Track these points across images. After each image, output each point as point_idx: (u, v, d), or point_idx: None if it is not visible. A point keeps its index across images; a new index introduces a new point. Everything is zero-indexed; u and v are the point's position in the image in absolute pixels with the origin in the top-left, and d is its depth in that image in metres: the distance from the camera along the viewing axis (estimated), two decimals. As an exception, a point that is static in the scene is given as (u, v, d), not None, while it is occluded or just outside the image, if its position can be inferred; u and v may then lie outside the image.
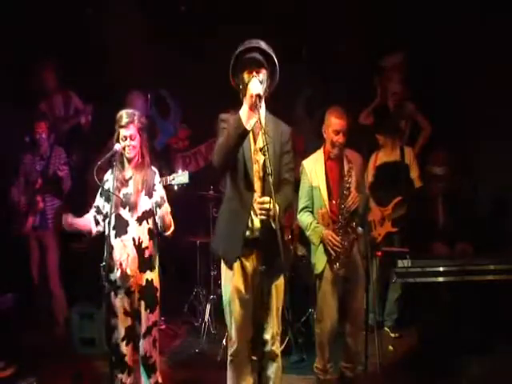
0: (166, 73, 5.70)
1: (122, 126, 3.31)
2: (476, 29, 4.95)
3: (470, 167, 5.11)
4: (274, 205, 2.77)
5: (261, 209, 2.80)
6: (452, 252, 4.48)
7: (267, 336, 3.06)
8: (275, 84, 2.99)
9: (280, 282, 3.08)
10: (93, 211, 3.46)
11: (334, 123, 3.71)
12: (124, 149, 3.33)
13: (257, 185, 2.98)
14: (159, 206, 3.41)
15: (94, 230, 3.45)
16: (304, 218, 3.80)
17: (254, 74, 2.86)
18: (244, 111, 2.79)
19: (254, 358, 3.22)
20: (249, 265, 3.03)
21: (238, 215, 2.99)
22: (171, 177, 3.93)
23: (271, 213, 2.79)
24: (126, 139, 3.32)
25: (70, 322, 4.67)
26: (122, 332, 3.36)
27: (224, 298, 3.13)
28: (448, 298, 4.35)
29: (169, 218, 3.42)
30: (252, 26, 5.33)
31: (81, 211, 5.10)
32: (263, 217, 2.80)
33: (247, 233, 2.99)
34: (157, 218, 3.43)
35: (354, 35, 5.21)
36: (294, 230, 4.96)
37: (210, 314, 4.88)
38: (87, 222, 3.44)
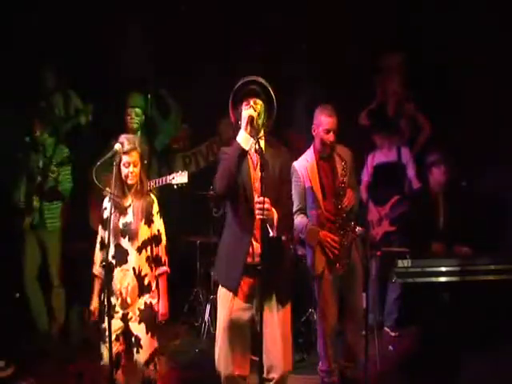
0: (166, 73, 5.70)
1: (124, 153, 3.28)
2: (476, 29, 4.95)
3: (470, 167, 5.10)
4: (272, 208, 2.81)
5: (259, 208, 2.81)
6: (451, 252, 4.48)
7: (274, 375, 2.97)
8: (273, 118, 3.05)
9: (286, 313, 3.04)
10: (98, 257, 3.42)
11: (324, 122, 3.69)
12: (127, 176, 3.31)
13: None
14: (156, 242, 3.41)
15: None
16: (299, 221, 3.76)
17: (251, 103, 2.95)
18: (241, 134, 2.91)
19: (254, 358, 3.20)
20: (248, 290, 3.01)
21: (239, 241, 3.00)
22: (171, 176, 3.94)
23: (268, 213, 2.80)
24: (128, 166, 3.30)
25: (70, 322, 4.67)
26: (110, 357, 3.17)
27: (218, 325, 3.10)
28: (448, 298, 4.35)
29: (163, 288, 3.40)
30: (252, 25, 5.36)
31: (80, 211, 5.14)
32: (261, 217, 2.81)
33: (249, 259, 2.98)
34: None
35: (353, 35, 5.21)
36: (293, 230, 4.96)
37: (209, 314, 4.89)
38: (99, 284, 3.42)
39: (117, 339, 3.29)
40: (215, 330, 4.77)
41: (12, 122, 4.84)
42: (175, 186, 3.98)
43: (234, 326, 3.01)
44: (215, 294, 4.82)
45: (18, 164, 4.96)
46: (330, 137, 3.69)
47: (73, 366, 4.29)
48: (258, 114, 2.94)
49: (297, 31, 5.44)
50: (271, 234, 2.89)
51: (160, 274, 3.42)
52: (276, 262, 2.95)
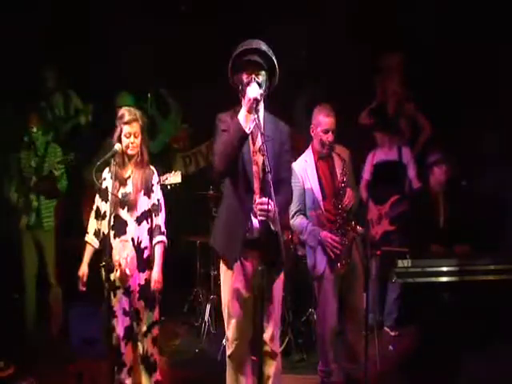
0: (166, 73, 5.70)
1: (125, 123, 3.30)
2: (476, 28, 4.95)
3: (470, 167, 5.10)
4: (273, 206, 2.78)
5: (260, 209, 2.80)
6: (451, 252, 4.48)
7: (266, 336, 3.05)
8: (275, 85, 3.00)
9: (279, 281, 3.08)
10: (92, 226, 3.43)
11: (322, 122, 3.67)
12: (127, 146, 3.32)
13: (256, 185, 2.97)
14: (155, 211, 3.41)
15: (97, 245, 3.44)
16: (298, 222, 3.76)
17: (253, 76, 2.87)
18: (242, 115, 2.82)
19: (254, 358, 3.22)
20: (248, 265, 3.03)
21: (237, 216, 2.98)
22: (164, 177, 3.94)
23: (270, 214, 2.79)
24: (129, 136, 3.32)
25: (70, 322, 4.67)
26: (121, 332, 3.36)
27: (223, 298, 3.12)
28: (448, 298, 4.35)
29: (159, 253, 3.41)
30: (251, 24, 5.36)
31: (78, 211, 5.15)
32: (262, 218, 2.80)
33: (247, 233, 2.97)
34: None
35: (353, 35, 5.21)
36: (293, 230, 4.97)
37: (209, 314, 4.88)
38: (90, 252, 3.43)
39: (126, 314, 3.34)
40: (215, 329, 4.83)
41: (12, 122, 4.84)
42: (168, 187, 3.98)
43: (237, 298, 3.03)
44: (215, 294, 4.87)
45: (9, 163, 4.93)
46: (329, 137, 3.66)
47: (73, 365, 4.29)
48: (260, 86, 2.85)
49: (297, 31, 5.44)
50: (273, 229, 2.85)
51: (157, 242, 3.41)
52: (272, 235, 2.87)
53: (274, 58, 2.93)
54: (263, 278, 2.88)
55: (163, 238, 3.43)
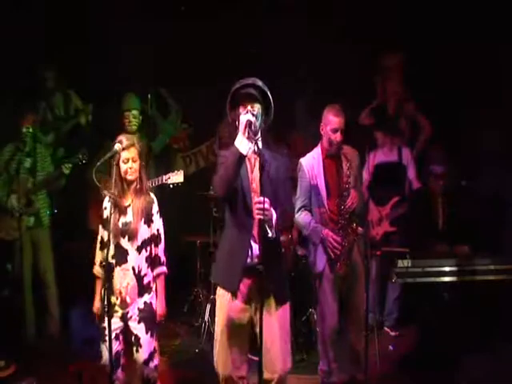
0: (166, 73, 5.70)
1: (123, 149, 3.27)
2: (476, 28, 4.95)
3: (470, 167, 5.11)
4: (271, 209, 2.81)
5: (258, 208, 2.82)
6: (451, 252, 4.48)
7: (272, 376, 2.96)
8: (270, 119, 3.05)
9: (285, 313, 3.05)
10: (99, 257, 3.41)
11: (331, 121, 3.69)
12: (126, 172, 3.30)
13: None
14: (155, 242, 3.40)
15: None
16: (302, 218, 3.78)
17: (249, 107, 2.94)
18: (238, 139, 2.89)
19: (255, 358, 3.20)
20: (246, 290, 3.01)
21: (237, 243, 3.00)
22: (166, 176, 3.94)
23: (267, 213, 2.81)
24: (127, 161, 3.29)
25: (70, 323, 4.67)
26: (109, 357, 3.17)
27: (216, 328, 3.10)
28: (448, 298, 4.35)
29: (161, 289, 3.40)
30: (251, 24, 5.36)
31: (78, 211, 5.14)
32: (260, 216, 2.82)
33: (248, 260, 2.98)
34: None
35: (353, 35, 5.21)
36: (293, 230, 4.96)
37: (209, 314, 4.88)
38: (100, 284, 3.40)
39: (116, 338, 3.29)
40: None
41: (12, 122, 4.83)
42: (171, 186, 3.98)
43: (232, 328, 3.01)
44: (215, 294, 4.85)
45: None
46: (337, 136, 3.69)
47: (73, 365, 4.29)
48: (256, 117, 2.92)
49: (297, 31, 5.44)
50: (270, 235, 2.88)
51: (158, 275, 3.41)
52: (274, 262, 2.96)
53: (268, 92, 3.00)
54: (263, 277, 2.87)
55: (164, 269, 3.43)
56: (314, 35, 5.43)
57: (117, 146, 3.29)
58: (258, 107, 2.97)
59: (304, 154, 3.92)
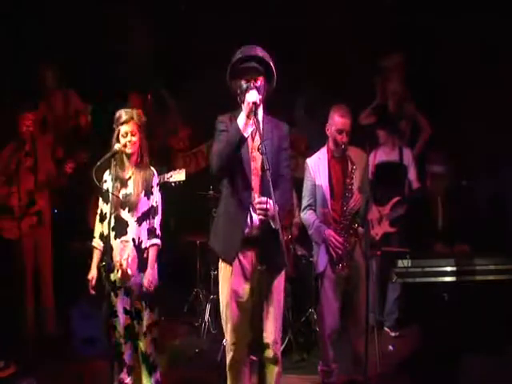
0: (166, 73, 5.71)
1: (122, 123, 3.32)
2: (476, 28, 4.95)
3: (470, 167, 5.11)
4: (272, 204, 2.78)
5: (259, 209, 2.82)
6: (451, 252, 4.48)
7: (268, 340, 3.02)
8: (272, 88, 3.04)
9: (280, 282, 3.07)
10: (98, 229, 3.44)
11: (337, 122, 3.67)
12: (125, 145, 3.33)
13: (254, 183, 2.99)
14: (152, 213, 3.42)
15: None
16: (307, 217, 3.78)
17: (252, 81, 2.92)
18: (241, 119, 2.86)
19: (255, 358, 3.22)
20: (247, 264, 3.02)
21: (236, 214, 2.99)
22: (168, 174, 3.95)
23: (269, 213, 2.80)
24: (126, 135, 3.33)
25: (71, 322, 4.67)
26: (121, 331, 3.38)
27: (221, 299, 3.12)
28: (448, 298, 4.35)
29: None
30: (251, 24, 5.36)
31: (77, 211, 5.14)
32: (262, 217, 2.82)
33: (246, 230, 2.98)
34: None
35: (353, 35, 5.21)
36: (293, 230, 4.97)
37: (209, 314, 4.88)
38: (98, 255, 3.43)
39: (126, 313, 3.36)
40: (215, 329, 4.83)
41: (12, 121, 4.82)
42: (173, 184, 3.99)
43: (236, 299, 3.03)
44: (215, 294, 4.87)
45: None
46: (343, 137, 3.67)
47: (73, 366, 4.29)
48: (259, 92, 2.88)
49: (297, 31, 5.44)
50: (273, 227, 2.85)
51: (152, 245, 3.42)
52: (272, 233, 2.87)
53: (271, 63, 2.98)
54: (262, 278, 2.88)
55: (158, 241, 3.44)
56: (313, 35, 5.43)
57: (116, 146, 3.31)
58: (260, 80, 2.95)
59: (304, 154, 3.92)
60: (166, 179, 4.07)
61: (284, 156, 3.07)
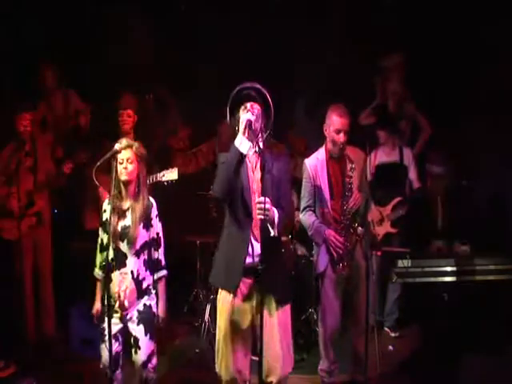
0: (166, 72, 5.70)
1: (119, 151, 3.27)
2: (476, 29, 4.95)
3: (470, 167, 5.11)
4: (272, 208, 2.81)
5: (259, 208, 2.82)
6: (451, 252, 4.48)
7: (272, 379, 2.97)
8: (271, 121, 3.05)
9: (285, 314, 3.05)
10: (99, 260, 3.41)
11: (335, 122, 3.66)
12: (121, 173, 3.27)
13: (255, 211, 2.95)
14: (155, 246, 3.40)
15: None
16: (306, 217, 3.78)
17: (248, 107, 2.96)
18: (238, 139, 2.92)
19: (255, 358, 3.20)
20: (246, 290, 3.01)
21: (237, 242, 3.01)
22: (161, 173, 3.94)
23: (269, 213, 2.81)
24: (122, 162, 3.27)
25: (70, 322, 4.67)
26: (108, 359, 3.22)
27: (218, 332, 3.10)
28: (448, 298, 4.35)
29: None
30: (251, 23, 5.36)
31: (77, 211, 5.13)
32: (261, 217, 2.82)
33: (248, 259, 2.98)
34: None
35: (353, 35, 5.21)
36: (293, 230, 4.97)
37: (209, 314, 4.88)
38: (100, 291, 3.41)
39: (116, 339, 3.29)
40: (215, 329, 4.80)
41: (12, 121, 4.82)
42: (165, 183, 3.99)
43: (234, 329, 3.02)
44: (215, 294, 4.84)
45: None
46: (341, 137, 3.66)
47: (73, 365, 4.29)
48: (256, 118, 2.94)
49: (297, 31, 5.44)
50: (272, 234, 2.88)
51: (159, 278, 3.42)
52: (275, 262, 2.96)
53: (267, 94, 3.01)
54: (261, 289, 2.84)
55: (165, 272, 3.43)
56: (313, 35, 5.43)
57: (117, 146, 3.29)
58: (257, 107, 2.99)
59: (303, 154, 3.91)
60: (158, 178, 4.07)
61: (284, 189, 3.07)
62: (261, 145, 2.97)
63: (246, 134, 2.89)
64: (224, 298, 3.06)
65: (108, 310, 3.19)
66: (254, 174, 3.03)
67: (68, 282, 5.01)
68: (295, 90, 5.78)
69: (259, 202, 2.83)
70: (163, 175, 3.94)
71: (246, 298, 3.01)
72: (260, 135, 3.00)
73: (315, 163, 3.78)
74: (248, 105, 2.97)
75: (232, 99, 3.03)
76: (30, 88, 5.51)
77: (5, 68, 5.31)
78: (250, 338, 3.04)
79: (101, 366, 3.34)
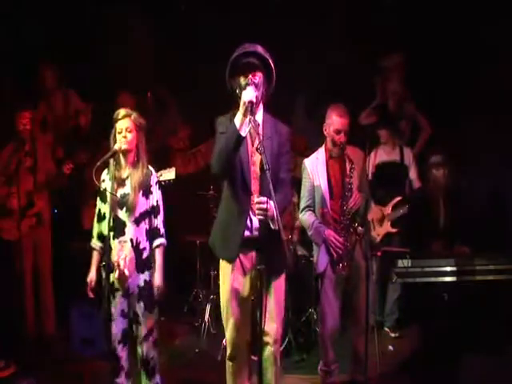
0: (166, 72, 5.70)
1: (118, 120, 3.29)
2: (476, 28, 4.95)
3: (470, 167, 5.11)
4: (272, 205, 2.77)
5: (258, 209, 2.81)
6: (451, 252, 4.48)
7: (268, 339, 3.03)
8: (272, 87, 3.01)
9: (280, 282, 3.07)
10: (96, 229, 3.42)
11: (335, 122, 3.66)
12: (120, 142, 3.28)
13: (254, 185, 2.98)
14: (154, 213, 3.39)
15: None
16: (306, 218, 3.77)
17: (250, 77, 2.89)
18: (238, 118, 2.84)
19: (254, 358, 3.21)
20: (248, 264, 3.03)
21: (235, 216, 2.99)
22: (158, 173, 3.94)
23: (269, 213, 2.79)
24: (121, 131, 3.28)
25: (71, 322, 4.67)
26: (118, 335, 3.33)
27: (221, 298, 3.11)
28: (448, 298, 4.35)
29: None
30: (251, 24, 5.36)
31: (77, 211, 5.14)
32: (261, 217, 2.81)
33: (246, 232, 2.98)
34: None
35: (354, 35, 5.21)
36: (293, 230, 4.97)
37: (209, 314, 4.88)
38: (97, 256, 3.42)
39: (124, 316, 3.33)
40: (215, 329, 4.83)
41: (12, 121, 4.82)
42: (163, 183, 3.99)
43: (236, 297, 3.03)
44: (215, 294, 4.87)
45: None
46: (341, 137, 3.65)
47: (73, 365, 4.29)
48: (257, 88, 2.87)
49: (297, 31, 5.44)
50: (272, 227, 2.86)
51: (157, 246, 3.40)
52: (273, 235, 2.87)
53: (270, 60, 2.95)
54: (263, 277, 2.88)
55: (163, 240, 3.41)
56: (313, 35, 5.43)
57: (116, 146, 3.29)
58: (259, 76, 2.92)
59: (303, 153, 3.91)
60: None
61: (285, 160, 3.05)
62: (260, 114, 2.93)
63: (248, 116, 2.80)
64: (225, 268, 3.07)
65: (109, 288, 3.23)
66: (252, 146, 2.97)
67: (68, 282, 5.00)
68: (295, 89, 5.78)
69: (258, 202, 2.81)
70: (160, 175, 3.94)
71: (247, 269, 3.02)
72: (261, 100, 2.95)
73: (315, 163, 3.77)
74: (250, 76, 2.88)
75: (231, 65, 2.95)
76: (29, 88, 5.51)
77: (5, 68, 5.31)
78: (250, 303, 3.06)
79: (113, 345, 3.33)
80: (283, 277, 3.10)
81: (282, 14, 5.46)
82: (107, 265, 3.26)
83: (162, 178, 3.88)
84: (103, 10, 5.48)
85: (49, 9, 5.44)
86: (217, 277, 4.75)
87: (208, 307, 4.89)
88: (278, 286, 3.06)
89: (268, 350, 3.04)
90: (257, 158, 2.95)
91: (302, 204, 3.80)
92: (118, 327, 3.32)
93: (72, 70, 5.48)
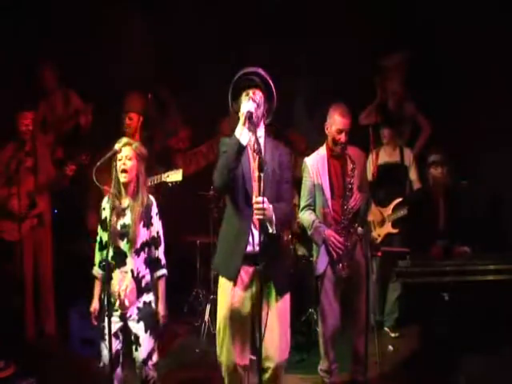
0: (166, 72, 5.70)
1: (119, 149, 3.28)
2: (477, 28, 4.95)
3: (470, 167, 5.10)
4: (270, 208, 2.80)
5: (256, 208, 2.81)
6: (451, 253, 4.48)
7: (269, 364, 2.99)
8: (273, 108, 3.05)
9: (285, 303, 3.06)
10: (98, 258, 3.41)
11: (337, 121, 3.66)
12: (121, 171, 3.27)
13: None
14: (155, 244, 3.39)
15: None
16: (306, 217, 3.77)
17: (250, 93, 2.94)
18: (238, 128, 2.89)
19: (253, 357, 3.21)
20: (248, 279, 3.02)
21: (238, 231, 3.01)
22: (165, 174, 3.94)
23: (267, 212, 2.80)
24: (121, 159, 3.27)
25: (70, 323, 4.67)
26: (106, 358, 3.27)
27: (218, 315, 3.10)
28: (448, 298, 4.35)
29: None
30: (251, 25, 5.36)
31: (77, 211, 5.14)
32: (260, 217, 2.81)
33: (248, 248, 2.98)
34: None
35: (354, 35, 5.21)
36: (295, 228, 4.97)
37: (209, 314, 4.88)
38: (99, 285, 3.42)
39: (116, 337, 3.30)
40: (215, 329, 4.79)
41: (11, 121, 4.82)
42: (170, 184, 3.98)
43: (235, 316, 3.02)
44: (215, 294, 4.84)
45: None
46: (342, 137, 3.66)
47: (73, 365, 4.29)
48: (258, 105, 2.92)
49: (297, 31, 5.44)
50: (270, 231, 2.88)
51: (159, 277, 3.41)
52: (274, 254, 2.94)
53: (270, 81, 3.00)
54: (261, 277, 2.86)
55: (165, 271, 3.42)
56: (313, 35, 5.43)
57: (116, 146, 3.29)
58: (260, 94, 2.96)
59: (304, 153, 3.91)
60: (162, 179, 4.06)
61: (285, 187, 3.06)
62: (262, 135, 2.96)
63: (247, 125, 2.85)
64: (224, 285, 3.07)
65: (108, 309, 3.20)
66: (255, 164, 2.98)
67: (68, 282, 5.01)
68: (295, 89, 5.78)
69: (257, 202, 2.82)
70: (167, 176, 3.93)
71: (246, 285, 3.01)
72: (262, 121, 2.99)
73: (316, 162, 3.77)
74: (250, 92, 2.95)
75: (234, 84, 3.01)
76: (29, 88, 5.51)
77: (5, 68, 5.31)
78: (249, 325, 3.04)
79: (100, 365, 3.34)
80: (287, 297, 3.08)
81: (281, 13, 5.46)
82: (107, 288, 3.25)
83: (168, 180, 3.88)
84: (103, 9, 5.47)
85: (49, 9, 5.44)
86: (217, 277, 4.75)
87: (208, 307, 4.90)
88: (282, 306, 3.04)
89: (269, 375, 3.00)
90: (258, 174, 2.96)
91: (302, 203, 3.80)
92: (111, 350, 3.20)
93: (72, 70, 5.48)
